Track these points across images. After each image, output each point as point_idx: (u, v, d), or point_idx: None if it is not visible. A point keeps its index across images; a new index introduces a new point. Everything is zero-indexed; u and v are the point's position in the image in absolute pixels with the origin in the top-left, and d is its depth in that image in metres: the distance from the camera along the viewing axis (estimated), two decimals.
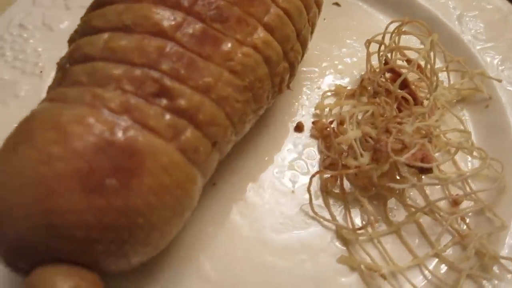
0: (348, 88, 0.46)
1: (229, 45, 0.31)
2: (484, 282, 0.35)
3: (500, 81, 0.45)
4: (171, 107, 0.28)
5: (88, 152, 0.25)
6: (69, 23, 0.46)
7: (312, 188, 0.38)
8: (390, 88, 0.39)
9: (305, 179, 0.40)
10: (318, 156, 0.42)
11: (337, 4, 0.53)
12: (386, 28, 0.43)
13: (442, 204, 0.39)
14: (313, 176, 0.38)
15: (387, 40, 0.42)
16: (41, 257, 0.26)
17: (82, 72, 0.28)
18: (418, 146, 0.35)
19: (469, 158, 0.42)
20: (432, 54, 0.40)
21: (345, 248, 0.37)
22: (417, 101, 0.40)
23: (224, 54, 0.30)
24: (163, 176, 0.27)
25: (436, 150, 0.38)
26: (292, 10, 0.34)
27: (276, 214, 0.39)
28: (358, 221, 0.39)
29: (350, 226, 0.38)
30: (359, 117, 0.40)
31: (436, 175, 0.34)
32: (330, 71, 0.48)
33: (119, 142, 0.26)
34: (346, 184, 0.40)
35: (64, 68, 0.30)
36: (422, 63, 0.42)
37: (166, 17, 0.29)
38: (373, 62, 0.44)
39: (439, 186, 0.40)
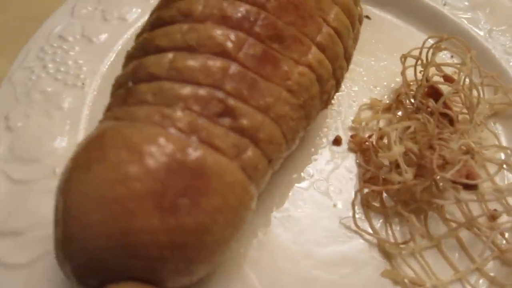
0: (383, 101, 0.46)
1: (287, 65, 0.31)
2: None
3: None
4: (234, 126, 0.29)
5: (161, 172, 0.26)
6: (108, 36, 0.46)
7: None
8: (431, 105, 0.40)
9: (345, 192, 0.41)
10: (356, 170, 0.43)
11: (367, 17, 0.53)
12: (424, 44, 0.43)
13: (480, 218, 0.40)
14: (358, 191, 0.39)
15: (422, 56, 0.43)
16: (113, 275, 0.26)
17: (148, 92, 0.29)
18: (462, 163, 0.36)
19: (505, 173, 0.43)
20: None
21: (387, 261, 0.38)
22: (453, 117, 0.41)
23: (283, 74, 0.31)
24: (228, 194, 0.28)
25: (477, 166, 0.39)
26: (341, 29, 0.35)
27: (318, 227, 0.39)
28: (397, 235, 0.39)
29: (392, 240, 0.39)
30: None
31: (482, 192, 0.35)
32: (362, 84, 0.49)
33: (189, 162, 0.27)
34: (384, 197, 0.41)
35: (127, 86, 0.30)
36: (456, 75, 0.43)
37: (229, 38, 0.30)
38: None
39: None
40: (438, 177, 0.36)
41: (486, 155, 0.41)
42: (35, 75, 0.43)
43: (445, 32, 0.45)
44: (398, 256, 0.38)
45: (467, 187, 0.36)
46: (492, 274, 0.37)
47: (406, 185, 0.37)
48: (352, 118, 0.46)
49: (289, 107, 0.32)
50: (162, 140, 0.27)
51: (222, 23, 0.30)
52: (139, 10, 0.49)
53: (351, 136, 0.44)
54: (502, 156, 0.43)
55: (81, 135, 0.41)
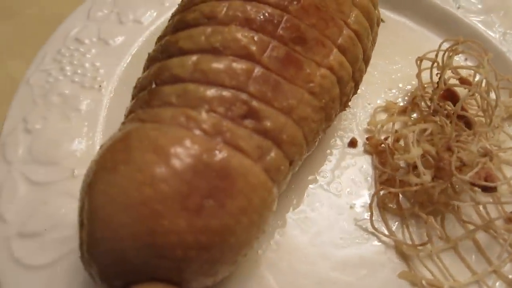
0: (398, 104, 0.46)
1: (309, 67, 0.32)
2: None
3: None
4: (258, 128, 0.29)
5: (187, 174, 0.26)
6: (124, 38, 0.47)
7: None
8: (449, 108, 0.40)
9: (361, 194, 0.41)
10: (371, 172, 0.43)
11: (381, 20, 0.53)
12: (440, 46, 0.43)
13: (497, 221, 0.40)
14: (375, 193, 0.39)
15: (438, 58, 0.43)
16: (138, 276, 0.26)
17: (172, 93, 0.29)
18: (480, 165, 0.36)
19: None
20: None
21: (404, 263, 0.38)
22: (471, 119, 0.41)
23: (306, 76, 0.31)
24: (252, 196, 0.28)
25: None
26: (361, 31, 0.35)
27: (334, 229, 0.39)
28: (414, 236, 0.39)
29: (409, 242, 0.39)
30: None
31: (499, 194, 0.35)
32: (378, 86, 0.49)
33: (215, 164, 0.27)
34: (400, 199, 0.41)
35: (150, 87, 0.30)
36: (470, 78, 0.43)
37: (253, 40, 0.30)
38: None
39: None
40: (454, 179, 0.36)
41: (503, 157, 0.41)
42: (53, 78, 0.44)
43: (459, 35, 0.45)
44: (415, 257, 0.38)
45: (486, 189, 0.36)
46: (510, 276, 0.37)
47: (424, 187, 0.38)
48: (367, 120, 0.46)
49: (311, 109, 0.32)
50: (187, 142, 0.27)
51: (245, 25, 0.31)
52: (154, 13, 0.49)
53: (367, 138, 0.44)
54: None
55: (98, 137, 0.41)
